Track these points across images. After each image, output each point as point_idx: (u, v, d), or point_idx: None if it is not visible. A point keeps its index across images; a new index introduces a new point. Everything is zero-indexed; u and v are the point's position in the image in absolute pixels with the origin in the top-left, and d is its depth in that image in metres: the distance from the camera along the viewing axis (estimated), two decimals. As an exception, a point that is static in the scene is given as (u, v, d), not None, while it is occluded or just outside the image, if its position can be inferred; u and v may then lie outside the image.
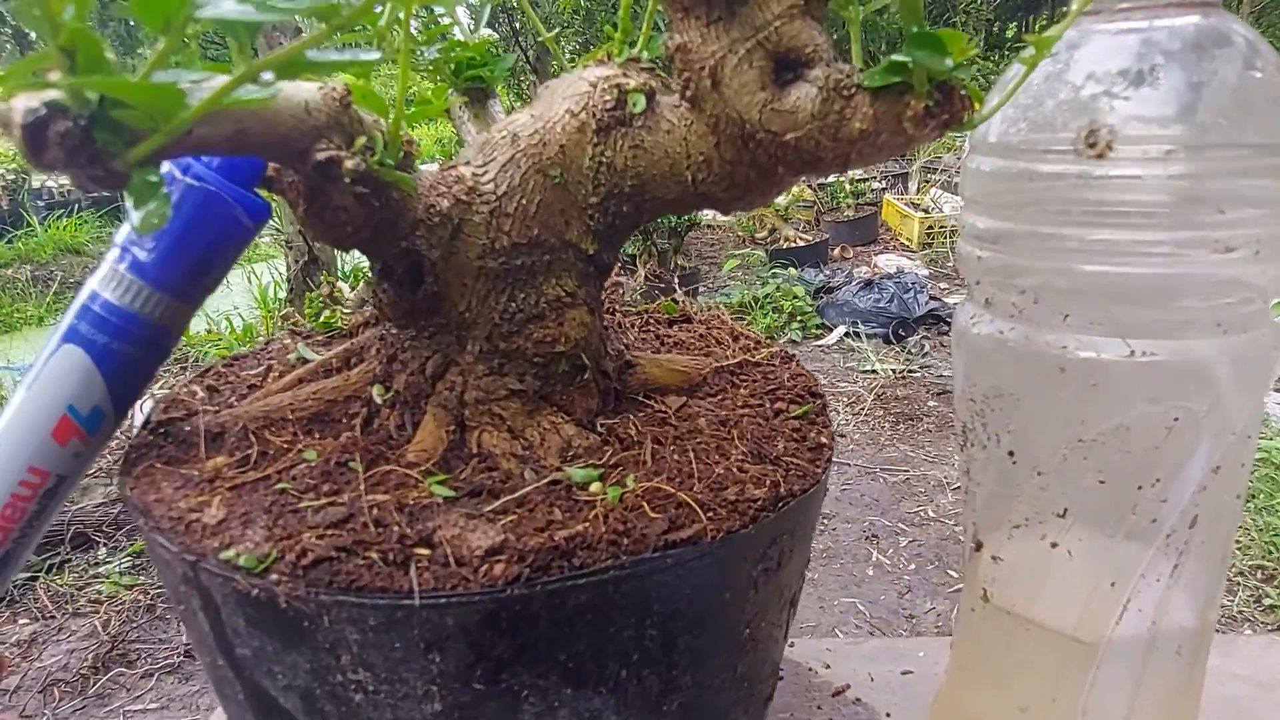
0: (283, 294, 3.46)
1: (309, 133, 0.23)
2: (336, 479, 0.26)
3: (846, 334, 3.46)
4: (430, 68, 0.38)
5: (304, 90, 0.23)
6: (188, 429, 0.30)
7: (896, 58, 0.23)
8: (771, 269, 3.85)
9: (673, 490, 0.25)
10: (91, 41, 0.18)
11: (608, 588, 0.23)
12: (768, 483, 0.26)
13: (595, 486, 0.26)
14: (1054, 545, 0.30)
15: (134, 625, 1.73)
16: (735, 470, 0.27)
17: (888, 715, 0.43)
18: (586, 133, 0.29)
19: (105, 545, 2.15)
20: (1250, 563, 1.82)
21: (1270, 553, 1.82)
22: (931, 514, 2.09)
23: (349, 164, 0.24)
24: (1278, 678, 0.44)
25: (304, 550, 0.23)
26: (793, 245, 4.08)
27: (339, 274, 3.25)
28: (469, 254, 0.28)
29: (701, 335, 0.39)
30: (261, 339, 3.34)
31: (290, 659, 0.24)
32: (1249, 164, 0.26)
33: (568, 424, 0.29)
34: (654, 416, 0.31)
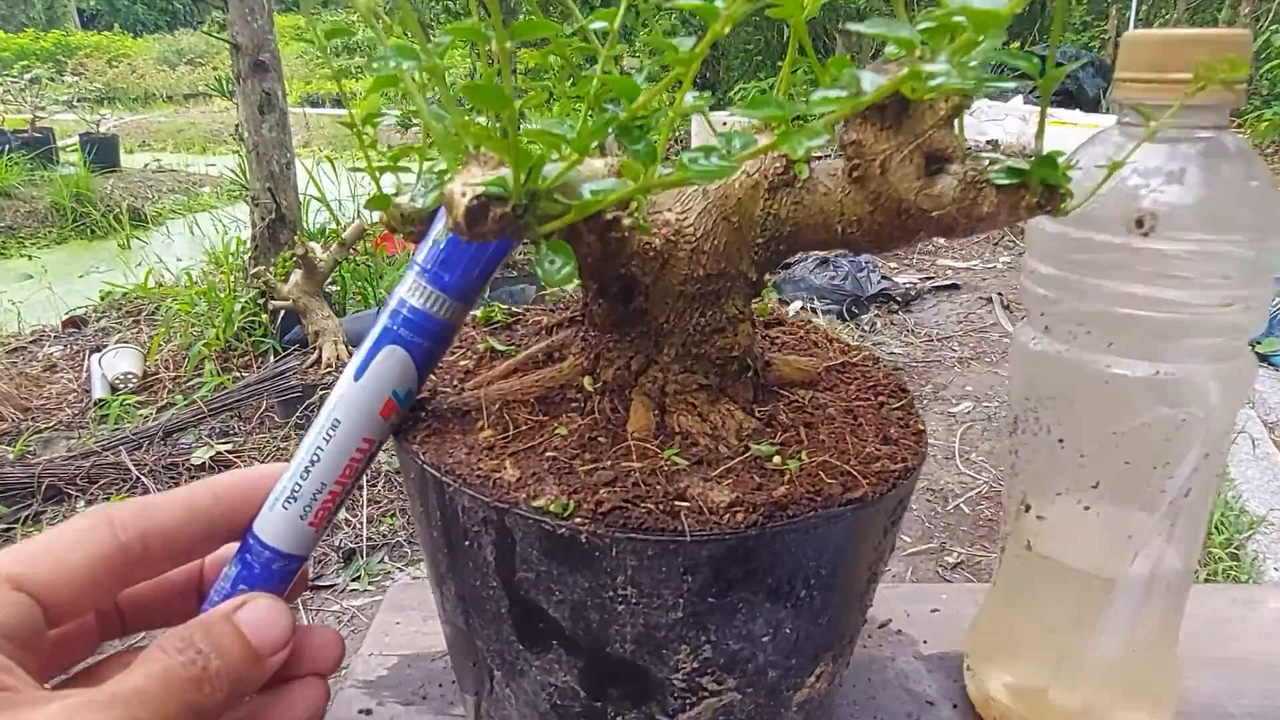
0: (246, 251, 3.43)
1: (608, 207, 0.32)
2: (592, 450, 0.35)
3: (802, 309, 3.60)
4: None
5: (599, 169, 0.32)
6: (443, 406, 0.38)
7: (1015, 165, 0.33)
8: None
9: (838, 464, 0.35)
10: (532, 156, 0.26)
11: (806, 531, 0.33)
12: (898, 459, 0.36)
13: (776, 459, 0.36)
14: (1086, 508, 0.40)
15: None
16: (874, 449, 0.37)
17: (924, 642, 0.54)
18: (759, 190, 0.38)
19: (81, 498, 2.16)
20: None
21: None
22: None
23: (626, 221, 0.33)
24: (1223, 616, 0.57)
25: (599, 501, 0.32)
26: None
27: (305, 233, 3.24)
28: (673, 280, 0.37)
29: (800, 338, 0.49)
30: (224, 293, 3.31)
31: (572, 579, 0.33)
32: (1243, 244, 0.36)
33: (737, 410, 0.39)
34: (793, 405, 0.41)
